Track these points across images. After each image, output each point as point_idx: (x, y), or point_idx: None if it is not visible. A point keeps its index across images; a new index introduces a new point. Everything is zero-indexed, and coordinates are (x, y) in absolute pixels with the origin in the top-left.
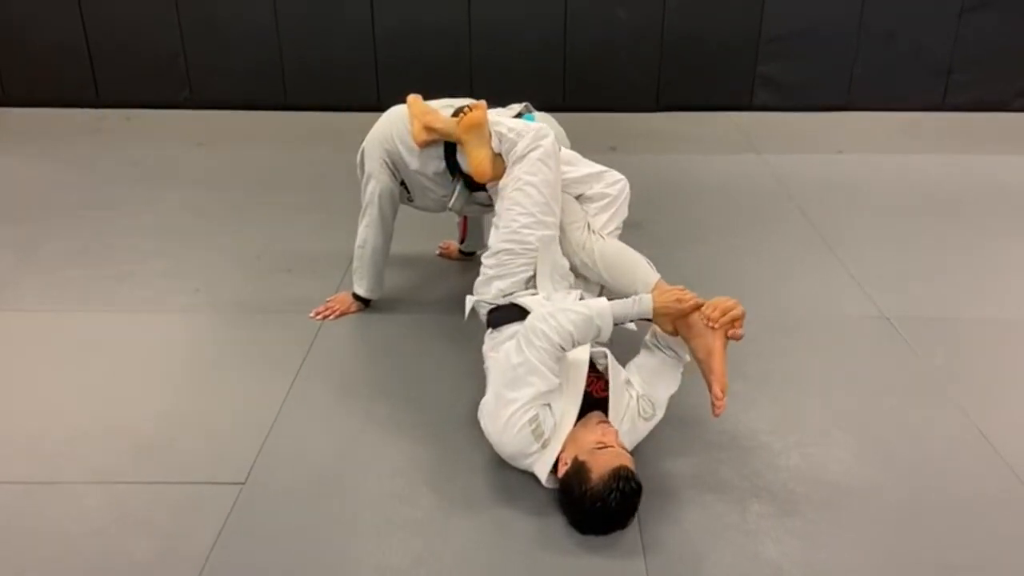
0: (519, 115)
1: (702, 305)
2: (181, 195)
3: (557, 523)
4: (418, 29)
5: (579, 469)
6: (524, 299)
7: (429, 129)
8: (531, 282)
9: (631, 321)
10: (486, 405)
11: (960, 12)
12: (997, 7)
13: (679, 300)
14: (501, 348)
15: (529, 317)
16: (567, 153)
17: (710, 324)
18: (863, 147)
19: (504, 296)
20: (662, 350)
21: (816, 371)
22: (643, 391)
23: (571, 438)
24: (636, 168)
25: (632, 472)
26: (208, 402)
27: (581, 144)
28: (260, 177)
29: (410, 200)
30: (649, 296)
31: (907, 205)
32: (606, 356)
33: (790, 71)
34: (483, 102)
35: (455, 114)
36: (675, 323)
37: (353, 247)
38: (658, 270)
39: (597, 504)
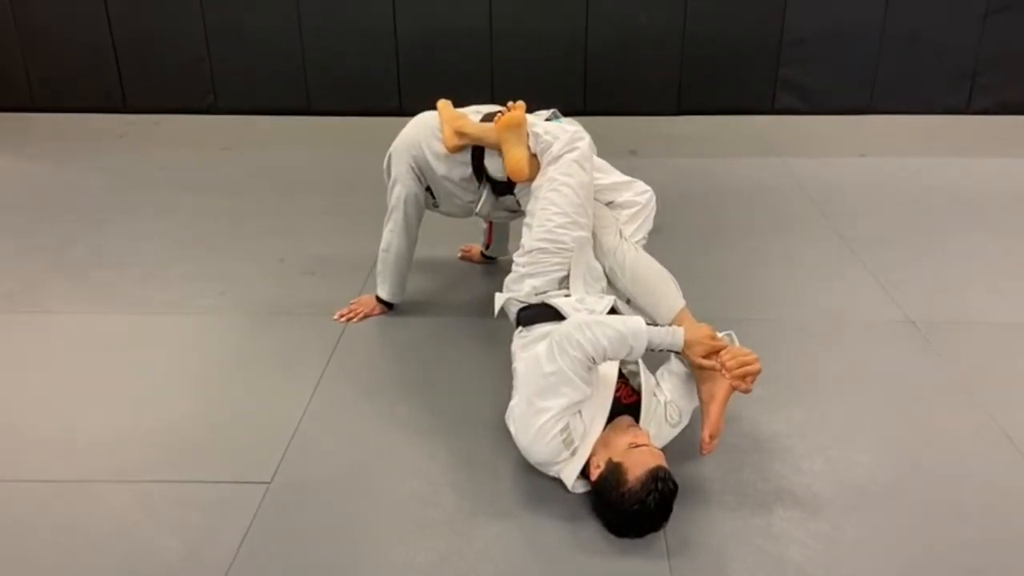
0: (547, 119)
1: (724, 349)
2: (206, 199)
3: (580, 525)
4: (440, 34)
5: (615, 470)
6: (557, 300)
7: (460, 134)
8: (564, 282)
9: (661, 350)
10: (516, 409)
11: (985, 14)
12: (1022, 9)
13: (711, 336)
14: (531, 348)
15: (564, 324)
16: (597, 160)
17: (722, 371)
18: (886, 151)
19: (537, 295)
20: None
21: (840, 374)
22: (671, 397)
23: (602, 442)
24: (656, 172)
25: (668, 472)
26: (234, 403)
27: (601, 148)
28: (284, 181)
29: (436, 206)
30: (682, 329)
31: (931, 209)
32: (637, 362)
33: (812, 74)
34: (522, 103)
35: (485, 119)
36: (698, 364)
37: (376, 250)
38: (680, 275)
39: (635, 507)
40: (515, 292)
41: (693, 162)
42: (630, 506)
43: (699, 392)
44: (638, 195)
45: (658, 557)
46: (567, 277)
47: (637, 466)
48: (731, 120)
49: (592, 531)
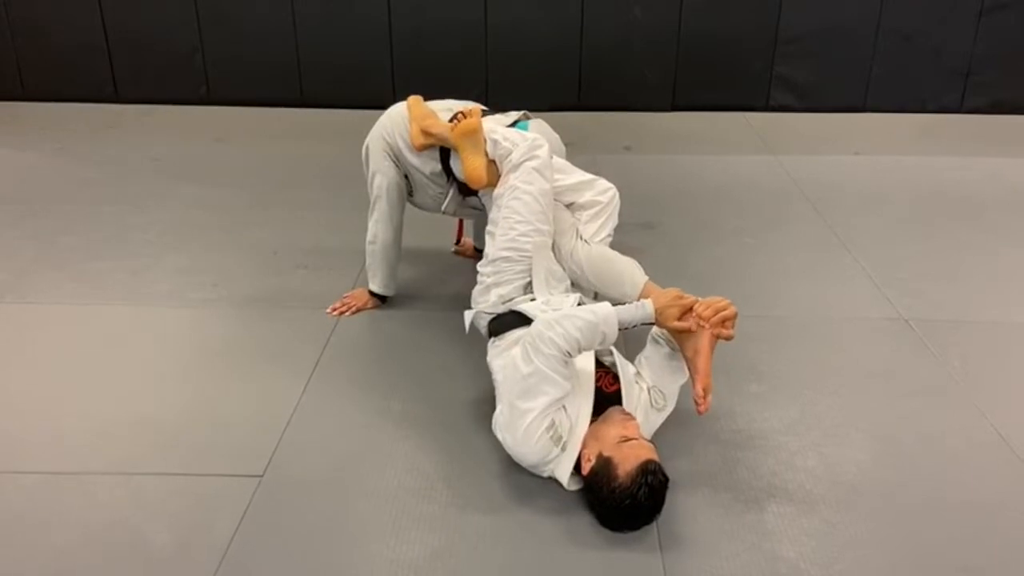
0: (515, 123)
1: (696, 303)
2: (198, 191)
3: (574, 520)
4: (434, 28)
5: (605, 465)
6: (524, 305)
7: (426, 134)
8: (529, 288)
9: (635, 326)
10: (501, 417)
11: (979, 13)
12: (1017, 8)
13: (678, 297)
14: (506, 355)
15: (534, 324)
16: (558, 161)
17: (701, 323)
18: (880, 149)
19: (504, 303)
20: (666, 344)
21: (833, 372)
22: (653, 383)
23: (592, 435)
24: (651, 168)
25: (659, 465)
26: (226, 396)
27: (595, 143)
28: (277, 173)
29: (411, 195)
30: (649, 300)
31: (925, 207)
32: (612, 352)
33: (807, 72)
34: (478, 107)
35: (453, 119)
36: (674, 328)
37: None
38: (673, 271)
39: (626, 501)
40: (482, 304)
41: (687, 159)
42: (621, 500)
43: (684, 353)
44: (599, 195)
45: (651, 552)
46: (531, 283)
47: (627, 460)
48: (725, 117)
49: (585, 526)
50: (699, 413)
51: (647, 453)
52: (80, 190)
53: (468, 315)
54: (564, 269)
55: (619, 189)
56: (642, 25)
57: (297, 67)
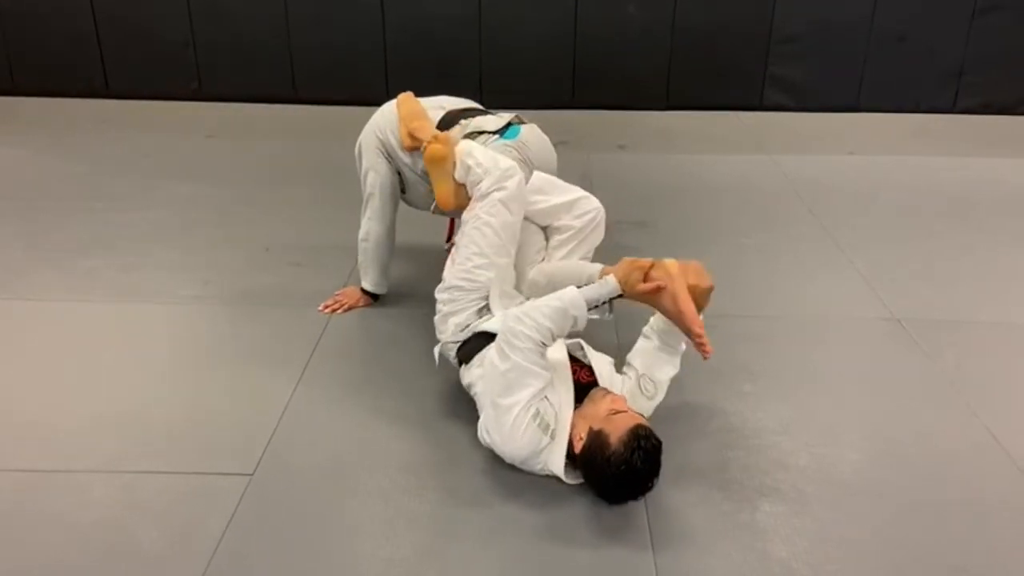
0: (508, 125)
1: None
2: (190, 187)
3: (566, 518)
4: (428, 24)
5: (597, 436)
6: (486, 324)
7: (412, 137)
8: (484, 311)
9: (603, 303)
10: (487, 421)
11: (972, 15)
12: (1009, 10)
13: (633, 262)
14: (484, 360)
15: (504, 321)
16: (543, 179)
17: (668, 280)
18: (874, 149)
19: (462, 331)
20: (656, 339)
21: (826, 372)
22: (644, 371)
23: (580, 415)
24: (644, 167)
25: (650, 429)
26: (217, 394)
27: (589, 142)
28: (269, 170)
29: (403, 193)
30: (611, 275)
31: (918, 207)
32: (582, 347)
33: (801, 72)
34: (447, 134)
35: (447, 116)
36: (641, 291)
37: None
38: None
39: (622, 467)
40: (443, 333)
41: (681, 157)
42: (618, 467)
43: (662, 309)
44: (575, 219)
45: (643, 551)
46: (485, 306)
47: (618, 428)
48: (720, 116)
49: (578, 525)
50: (705, 356)
51: (636, 420)
52: (70, 186)
53: (436, 350)
54: (521, 293)
55: (613, 187)
56: (637, 23)
57: (290, 63)
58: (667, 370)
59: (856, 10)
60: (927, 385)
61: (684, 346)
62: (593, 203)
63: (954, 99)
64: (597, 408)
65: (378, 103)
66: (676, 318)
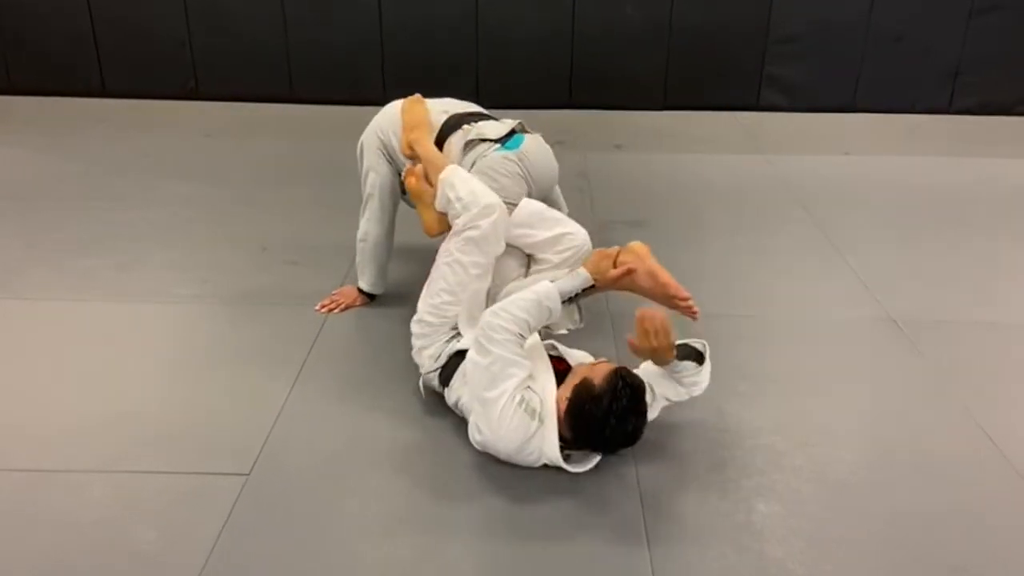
0: (511, 132)
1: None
2: (187, 186)
3: (563, 516)
4: (425, 24)
5: (581, 383)
6: (460, 345)
7: (411, 148)
8: (455, 337)
9: (576, 294)
10: (476, 418)
11: (969, 15)
12: (1006, 10)
13: (601, 251)
14: (466, 369)
15: (481, 317)
16: (529, 211)
17: (636, 263)
18: (870, 149)
19: (436, 359)
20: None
21: (821, 372)
22: (646, 380)
23: (563, 394)
24: (641, 166)
25: (630, 371)
26: (213, 393)
27: (586, 141)
28: (266, 169)
29: (403, 194)
30: (582, 268)
31: (913, 207)
32: (555, 347)
33: (797, 72)
34: (418, 168)
35: (451, 120)
36: (613, 277)
37: None
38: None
39: (611, 405)
40: (421, 366)
41: (678, 157)
42: (607, 407)
43: (640, 289)
44: (556, 254)
45: (639, 551)
46: (456, 334)
47: (598, 374)
48: (716, 116)
49: (576, 524)
50: (694, 318)
51: (616, 366)
52: (68, 185)
53: (421, 383)
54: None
55: (609, 187)
56: (634, 23)
57: (287, 62)
58: (668, 391)
59: (853, 10)
60: (922, 385)
61: (697, 391)
62: (577, 239)
63: (951, 99)
64: (577, 371)
65: (376, 102)
66: (659, 292)
